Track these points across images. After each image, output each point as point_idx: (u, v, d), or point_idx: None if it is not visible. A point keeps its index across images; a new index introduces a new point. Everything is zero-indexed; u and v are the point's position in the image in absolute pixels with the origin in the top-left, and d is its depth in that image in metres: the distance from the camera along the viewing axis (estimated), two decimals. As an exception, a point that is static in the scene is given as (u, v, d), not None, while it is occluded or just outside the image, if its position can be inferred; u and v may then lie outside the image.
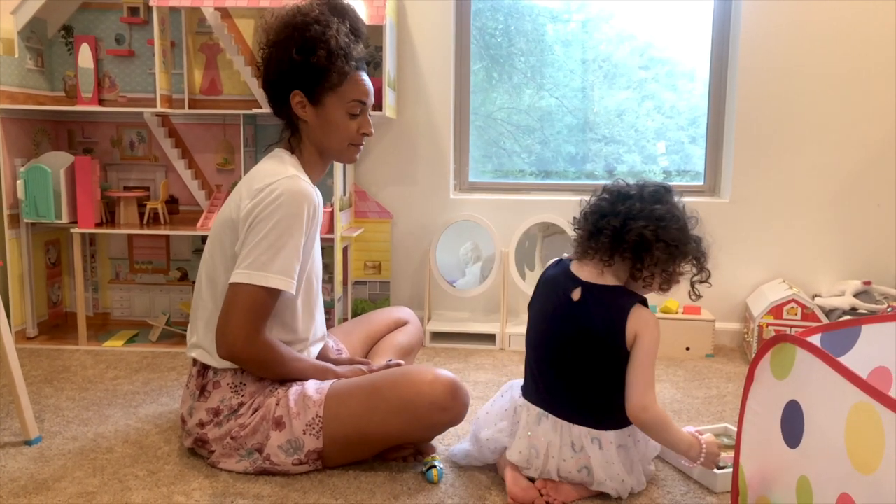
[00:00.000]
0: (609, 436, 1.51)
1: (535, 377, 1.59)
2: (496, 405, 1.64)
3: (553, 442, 1.51)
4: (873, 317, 1.43)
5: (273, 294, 1.58)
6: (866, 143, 2.74)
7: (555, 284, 1.59)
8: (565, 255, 1.66)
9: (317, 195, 1.76)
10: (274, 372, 1.64)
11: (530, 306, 1.66)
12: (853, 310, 2.53)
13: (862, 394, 1.02)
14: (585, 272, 1.56)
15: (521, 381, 1.66)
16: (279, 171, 1.62)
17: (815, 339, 1.34)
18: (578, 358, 1.52)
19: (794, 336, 1.21)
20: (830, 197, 2.77)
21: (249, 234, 1.58)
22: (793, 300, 2.52)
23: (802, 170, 2.77)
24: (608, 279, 1.55)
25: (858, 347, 1.41)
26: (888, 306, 2.54)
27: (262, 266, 1.55)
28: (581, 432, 1.50)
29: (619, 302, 1.51)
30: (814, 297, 2.68)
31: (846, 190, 2.76)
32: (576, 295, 1.54)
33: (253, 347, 1.58)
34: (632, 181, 1.59)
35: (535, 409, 1.54)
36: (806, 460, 1.15)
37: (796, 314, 2.51)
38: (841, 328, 1.41)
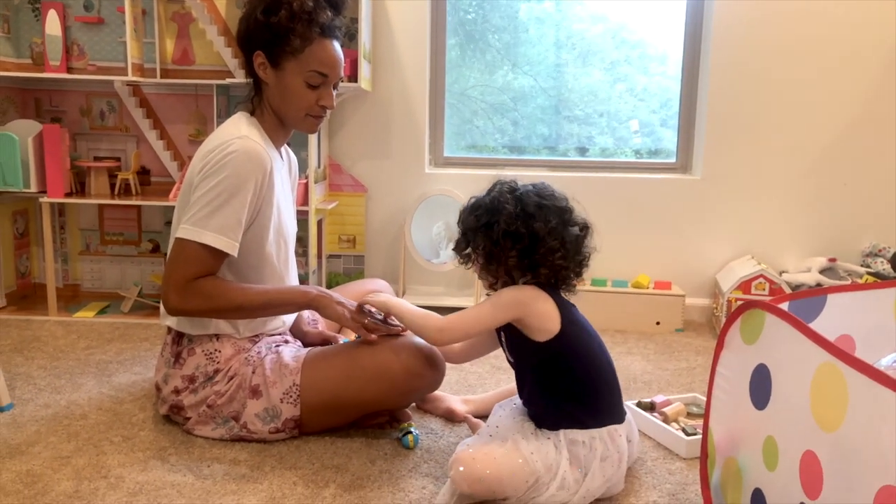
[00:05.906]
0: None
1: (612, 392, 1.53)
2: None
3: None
4: (838, 286, 1.48)
5: (211, 251, 1.55)
6: (835, 123, 2.79)
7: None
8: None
9: (286, 155, 1.77)
10: (230, 306, 1.57)
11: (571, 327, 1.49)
12: (818, 286, 2.60)
13: (827, 354, 1.05)
14: None
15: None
16: (233, 132, 1.61)
17: (784, 307, 1.38)
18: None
19: (764, 302, 1.24)
20: (799, 175, 2.83)
21: (195, 191, 1.57)
22: (761, 276, 2.58)
23: (772, 149, 2.82)
24: None
25: (824, 316, 1.45)
26: (851, 282, 2.62)
27: (198, 222, 1.54)
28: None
29: None
30: (781, 273, 2.75)
31: (814, 169, 2.82)
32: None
33: (190, 296, 1.54)
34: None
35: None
36: (772, 421, 1.19)
37: (764, 289, 2.57)
38: (808, 297, 1.45)
